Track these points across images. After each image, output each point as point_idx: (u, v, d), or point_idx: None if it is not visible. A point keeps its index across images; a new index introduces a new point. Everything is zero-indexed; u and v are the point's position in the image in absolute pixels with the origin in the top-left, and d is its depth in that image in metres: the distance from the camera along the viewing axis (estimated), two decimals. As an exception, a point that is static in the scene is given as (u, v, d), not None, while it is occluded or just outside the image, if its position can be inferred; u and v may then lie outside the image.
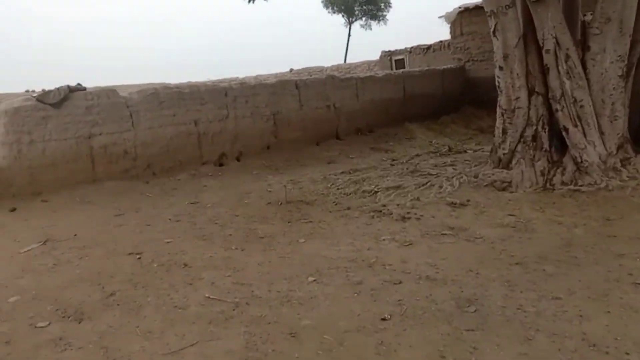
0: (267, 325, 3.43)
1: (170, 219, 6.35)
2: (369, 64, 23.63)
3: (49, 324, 3.62)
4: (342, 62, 27.59)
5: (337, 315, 3.51)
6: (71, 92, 7.39)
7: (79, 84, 7.61)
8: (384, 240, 5.06)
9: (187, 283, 4.29)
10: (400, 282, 3.99)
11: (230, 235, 5.62)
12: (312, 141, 10.67)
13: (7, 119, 6.83)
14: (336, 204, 6.59)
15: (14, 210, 6.64)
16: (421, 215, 5.77)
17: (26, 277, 4.62)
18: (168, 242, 5.48)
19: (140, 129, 8.07)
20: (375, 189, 6.92)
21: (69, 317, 3.72)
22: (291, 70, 26.86)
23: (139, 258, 4.99)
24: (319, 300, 3.78)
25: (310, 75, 14.98)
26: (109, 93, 7.78)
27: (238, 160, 9.47)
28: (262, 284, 4.16)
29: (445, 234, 5.14)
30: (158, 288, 4.21)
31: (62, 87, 7.30)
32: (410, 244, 4.90)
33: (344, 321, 3.41)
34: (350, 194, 6.99)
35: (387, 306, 3.59)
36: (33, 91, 27.97)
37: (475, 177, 6.94)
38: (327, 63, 26.81)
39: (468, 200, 6.19)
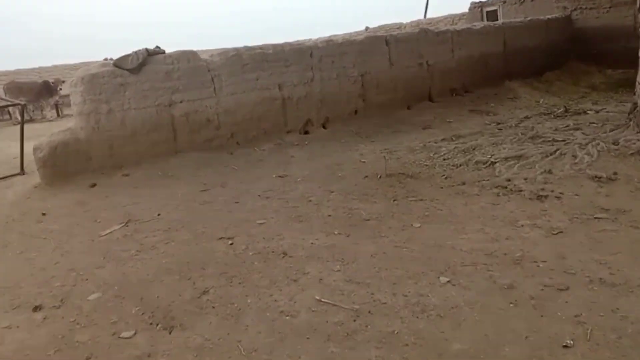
0: (404, 348, 2.64)
1: (259, 196, 5.69)
2: (452, 18, 21.88)
3: (135, 333, 3.03)
4: (421, 17, 25.84)
5: (495, 337, 2.65)
6: (150, 56, 6.81)
7: (157, 47, 7.02)
8: (522, 226, 4.11)
9: (290, 279, 3.58)
10: (567, 288, 3.06)
11: (330, 216, 4.86)
12: (402, 104, 9.67)
13: (83, 86, 6.36)
14: (446, 178, 5.66)
15: (94, 186, 6.22)
16: (560, 193, 4.74)
17: (108, 267, 4.09)
18: (261, 223, 4.81)
19: (223, 95, 7.42)
20: (492, 160, 5.91)
21: (157, 325, 3.10)
22: (367, 29, 25.50)
23: (231, 244, 4.35)
24: (463, 311, 2.93)
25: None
26: (190, 56, 7.14)
27: (324, 127, 8.67)
28: (382, 283, 3.36)
29: (600, 218, 4.11)
30: (257, 285, 3.53)
31: (140, 50, 6.72)
32: (560, 231, 3.92)
33: (508, 347, 2.56)
34: (460, 165, 6.02)
35: (562, 325, 2.70)
36: (111, 59, 28.43)
37: (615, 143, 5.75)
38: (405, 19, 25.19)
39: (615, 173, 5.06)
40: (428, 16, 26.10)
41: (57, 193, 6.09)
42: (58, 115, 18.31)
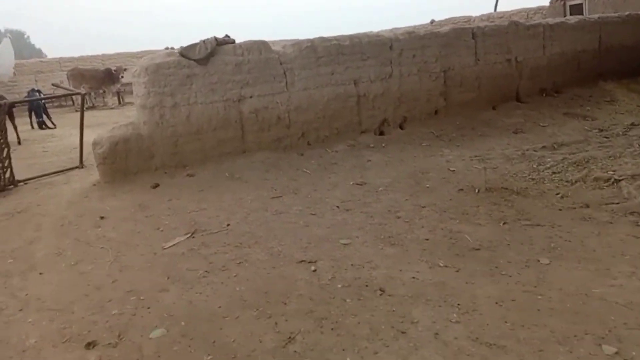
0: None
1: (337, 207, 4.99)
2: (527, 12, 20.48)
3: (209, 398, 2.37)
4: (492, 10, 24.41)
5: None
6: (219, 46, 6.21)
7: (227, 36, 6.42)
8: (689, 272, 3.22)
9: (396, 330, 2.85)
10: None
11: (427, 240, 4.10)
12: (487, 104, 8.73)
13: (147, 77, 5.82)
14: (562, 197, 4.77)
15: (156, 186, 5.68)
16: None
17: (172, 291, 3.49)
18: (345, 244, 4.12)
19: (295, 91, 6.75)
20: (615, 177, 4.96)
21: (236, 387, 2.44)
22: (432, 22, 24.35)
23: (314, 270, 3.67)
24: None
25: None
26: (261, 46, 6.50)
27: (401, 128, 7.86)
28: (524, 349, 2.57)
29: None
30: (355, 335, 2.82)
31: (208, 39, 6.13)
32: None
33: None
34: (576, 181, 5.10)
35: None
36: (172, 48, 28.33)
37: None
38: (474, 12, 23.87)
39: None
40: (499, 9, 24.65)
41: (116, 193, 5.58)
42: (119, 102, 18.26)
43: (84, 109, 7.31)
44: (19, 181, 6.45)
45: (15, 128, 10.30)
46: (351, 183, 5.77)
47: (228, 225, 4.67)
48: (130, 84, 19.77)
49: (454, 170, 5.98)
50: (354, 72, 7.19)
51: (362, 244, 4.10)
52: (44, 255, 4.29)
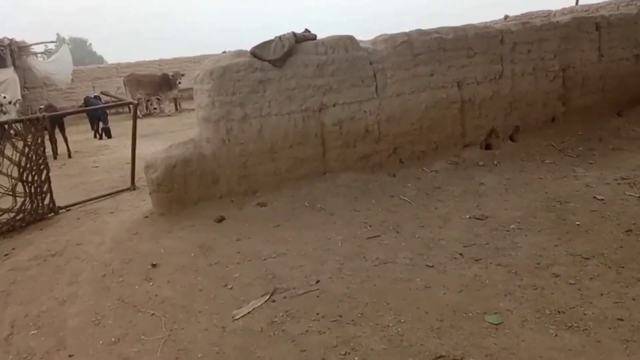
0: None
1: (460, 254, 3.70)
2: (617, 4, 18.36)
3: None
4: (573, 4, 22.28)
5: None
6: (297, 43, 5.01)
7: (306, 30, 5.21)
8: None
9: None
10: None
11: (622, 321, 2.72)
12: (610, 109, 7.16)
13: (212, 83, 4.69)
14: None
15: (221, 220, 4.52)
16: None
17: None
18: (495, 324, 2.80)
19: (387, 96, 5.47)
20: None
21: None
22: (506, 17, 22.46)
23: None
24: None
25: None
26: (348, 43, 5.26)
27: (512, 139, 6.43)
28: None
29: None
30: None
31: (286, 35, 4.95)
32: None
33: None
34: None
35: None
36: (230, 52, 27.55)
37: None
38: (553, 6, 21.82)
39: None
40: (581, 2, 22.49)
41: (173, 229, 4.46)
42: (176, 109, 17.54)
43: (137, 118, 6.25)
44: (60, 208, 5.48)
45: (66, 140, 9.54)
46: (467, 216, 4.44)
47: (317, 282, 3.44)
48: (188, 89, 19.11)
49: (602, 200, 4.53)
50: (457, 72, 5.83)
51: (521, 326, 2.77)
52: (78, 325, 3.19)
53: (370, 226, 4.31)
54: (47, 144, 9.61)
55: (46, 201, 5.29)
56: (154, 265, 3.84)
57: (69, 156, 9.45)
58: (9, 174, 4.87)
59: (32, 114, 11.35)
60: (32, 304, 3.48)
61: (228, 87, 4.71)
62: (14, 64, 14.92)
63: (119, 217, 4.98)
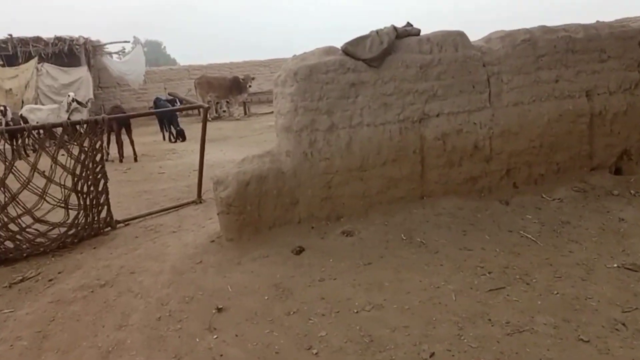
0: None
1: (623, 325, 2.72)
2: None
3: None
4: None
5: None
6: (398, 39, 4.14)
7: (408, 24, 4.34)
8: None
9: None
10: None
11: None
12: None
13: (295, 86, 3.90)
14: None
15: (300, 251, 3.71)
16: None
17: None
18: None
19: (501, 106, 4.50)
20: None
21: None
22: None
23: None
24: None
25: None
26: (458, 40, 4.35)
27: (648, 162, 5.25)
28: None
29: None
30: None
31: (385, 29, 4.10)
32: None
33: None
34: None
35: None
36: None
37: None
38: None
39: None
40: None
41: (243, 259, 3.70)
42: (245, 113, 17.12)
43: (207, 121, 5.59)
44: (118, 222, 4.88)
45: (132, 142, 9.12)
46: (614, 265, 3.41)
47: (432, 355, 2.54)
48: (257, 93, 18.70)
49: None
50: (587, 78, 4.77)
51: None
52: (121, 392, 2.46)
53: (488, 273, 3.36)
54: (112, 146, 9.29)
55: (103, 214, 4.70)
56: (219, 310, 3.08)
57: (135, 159, 9.03)
58: (62, 183, 4.28)
59: (103, 113, 11.14)
60: (71, 354, 2.79)
61: (314, 90, 3.91)
62: (88, 63, 14.93)
63: (182, 238, 4.29)
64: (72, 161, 4.32)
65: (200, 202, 5.54)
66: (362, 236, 3.90)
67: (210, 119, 13.93)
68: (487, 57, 4.45)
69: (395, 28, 4.12)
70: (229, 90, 16.42)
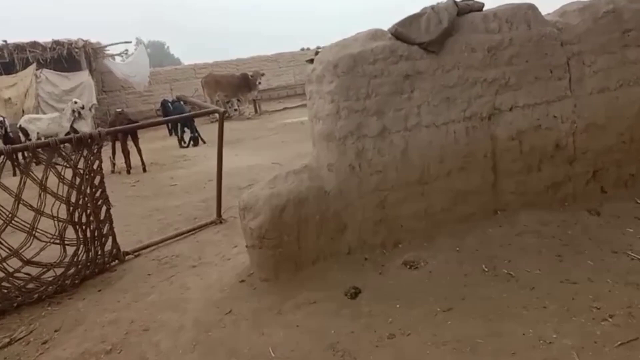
0: None
1: None
2: None
3: None
4: None
5: None
6: (459, 16, 3.31)
7: (471, -3, 3.49)
8: None
9: None
10: None
11: None
12: None
13: (336, 82, 3.10)
14: None
15: (356, 294, 2.91)
16: None
17: None
18: None
19: (584, 94, 3.67)
20: None
21: None
22: None
23: None
24: None
25: None
26: (529, 14, 3.52)
27: None
28: None
29: None
30: None
31: (441, 4, 3.28)
32: None
33: None
34: None
35: None
36: (308, 49, 25.68)
37: None
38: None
39: None
40: None
41: (284, 307, 2.90)
42: (256, 111, 16.32)
43: (223, 132, 4.81)
44: (127, 253, 4.12)
45: (139, 151, 8.36)
46: None
47: None
48: (267, 90, 17.84)
49: None
50: (682, 55, 3.91)
51: None
52: None
53: (609, 317, 2.54)
54: (118, 156, 8.55)
55: (107, 246, 3.94)
56: (260, 389, 2.30)
57: (144, 170, 8.28)
58: (55, 215, 3.51)
59: (109, 118, 10.40)
60: None
61: (360, 86, 3.10)
62: (89, 67, 14.19)
63: (204, 276, 3.50)
64: (66, 187, 3.55)
65: (221, 223, 4.77)
66: (430, 268, 3.10)
67: (213, 120, 13.16)
68: (564, 34, 3.61)
69: (455, 2, 3.29)
70: (238, 88, 15.62)
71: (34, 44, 13.40)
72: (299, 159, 7.80)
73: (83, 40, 13.66)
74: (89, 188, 3.63)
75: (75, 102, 11.39)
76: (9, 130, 10.97)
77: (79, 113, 11.52)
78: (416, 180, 3.28)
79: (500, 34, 3.42)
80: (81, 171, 3.57)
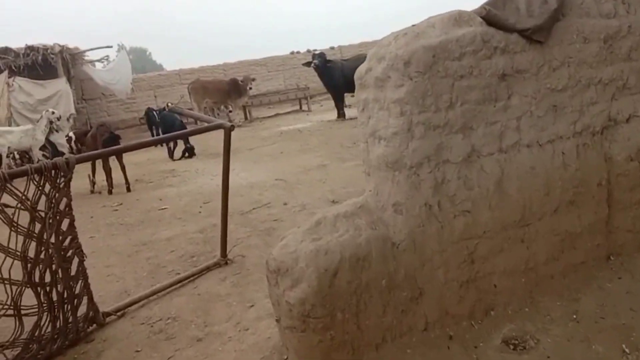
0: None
1: None
2: None
3: None
4: None
5: None
6: (570, -7, 2.40)
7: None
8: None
9: None
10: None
11: None
12: None
13: (407, 86, 2.14)
14: None
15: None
16: None
17: None
18: None
19: None
20: None
21: None
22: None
23: None
24: None
25: None
26: (654, -9, 2.60)
27: None
28: None
29: None
30: None
31: (547, -24, 2.33)
32: None
33: None
34: None
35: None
36: (298, 52, 24.69)
37: None
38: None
39: None
40: None
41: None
42: (246, 118, 15.34)
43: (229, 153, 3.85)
44: (107, 314, 3.13)
45: (123, 168, 7.34)
46: None
47: None
48: (258, 96, 16.80)
49: None
50: None
51: None
52: None
53: None
54: (93, 176, 7.54)
55: (81, 310, 2.94)
56: None
57: (128, 189, 7.25)
58: (5, 276, 2.51)
59: (90, 129, 9.36)
60: None
61: (441, 92, 2.16)
62: (67, 74, 13.08)
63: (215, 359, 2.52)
64: (21, 236, 2.55)
65: (226, 264, 3.80)
66: (545, 350, 2.16)
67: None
68: (693, 18, 2.71)
69: (562, -27, 2.38)
70: (227, 94, 14.63)
71: (6, 50, 12.30)
72: (305, 174, 6.90)
73: (60, 46, 12.56)
74: (53, 236, 2.64)
75: (53, 112, 10.37)
76: (-25, 144, 9.87)
77: (55, 124, 10.51)
78: (515, 221, 2.34)
79: (617, 19, 2.51)
80: (42, 214, 2.58)
